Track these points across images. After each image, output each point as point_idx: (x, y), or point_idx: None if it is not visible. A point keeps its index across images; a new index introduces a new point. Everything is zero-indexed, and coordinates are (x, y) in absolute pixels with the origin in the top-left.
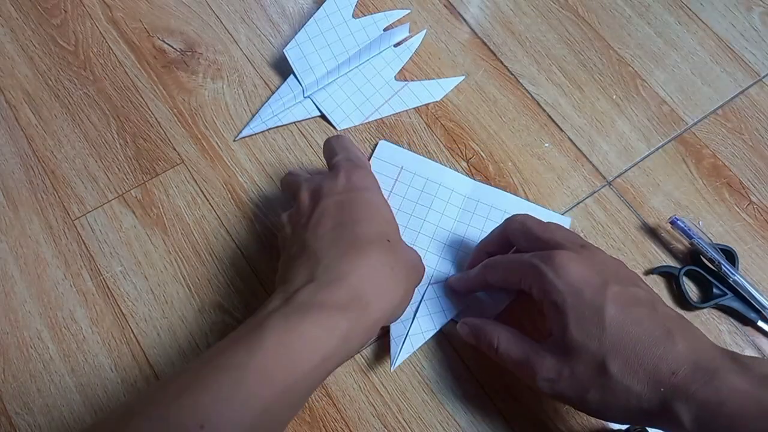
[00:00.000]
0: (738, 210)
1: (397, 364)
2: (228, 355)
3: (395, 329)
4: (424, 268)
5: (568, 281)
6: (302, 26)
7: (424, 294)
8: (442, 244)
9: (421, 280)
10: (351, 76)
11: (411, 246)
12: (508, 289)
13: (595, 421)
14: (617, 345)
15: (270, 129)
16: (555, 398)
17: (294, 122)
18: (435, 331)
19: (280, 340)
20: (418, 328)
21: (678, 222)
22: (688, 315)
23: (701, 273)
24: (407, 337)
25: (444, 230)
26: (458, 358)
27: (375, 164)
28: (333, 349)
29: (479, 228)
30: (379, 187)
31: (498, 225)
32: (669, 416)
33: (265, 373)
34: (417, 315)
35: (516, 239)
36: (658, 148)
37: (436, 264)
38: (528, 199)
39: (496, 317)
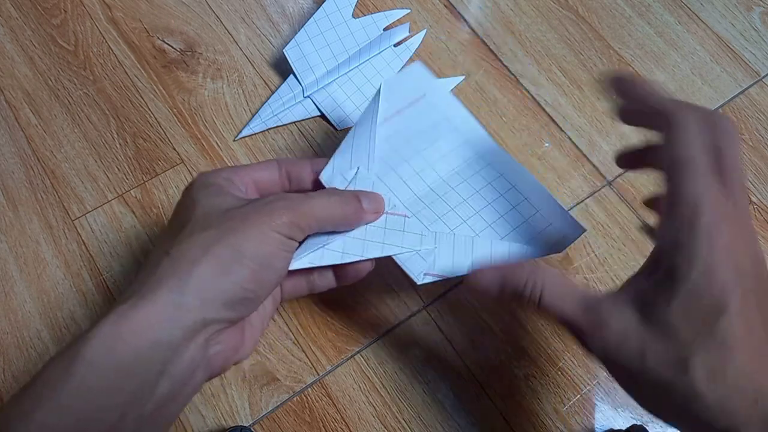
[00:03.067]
0: None
1: (294, 266)
2: None
3: (315, 237)
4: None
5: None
6: (302, 26)
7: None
8: (424, 184)
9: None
10: (351, 76)
11: (390, 171)
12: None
13: (595, 421)
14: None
15: (270, 129)
16: (618, 360)
17: (294, 122)
18: (357, 259)
19: None
20: (340, 246)
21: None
22: None
23: None
24: (323, 249)
25: (434, 172)
26: (458, 358)
27: (395, 80)
28: None
29: (475, 189)
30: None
31: None
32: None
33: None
34: (349, 234)
35: None
36: None
37: (407, 200)
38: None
39: None
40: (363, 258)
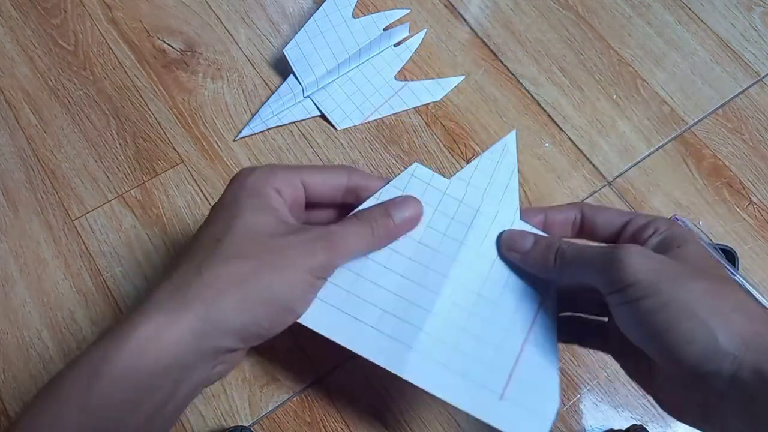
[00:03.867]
0: (738, 210)
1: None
2: None
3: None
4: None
5: (690, 233)
6: (302, 26)
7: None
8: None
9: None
10: (351, 75)
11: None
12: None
13: (595, 420)
14: (731, 278)
15: (270, 129)
16: (632, 282)
17: (294, 122)
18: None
19: None
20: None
21: (678, 222)
22: None
23: None
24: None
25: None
26: None
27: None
28: None
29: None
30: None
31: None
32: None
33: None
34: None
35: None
36: (658, 148)
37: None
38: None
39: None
40: (344, 341)
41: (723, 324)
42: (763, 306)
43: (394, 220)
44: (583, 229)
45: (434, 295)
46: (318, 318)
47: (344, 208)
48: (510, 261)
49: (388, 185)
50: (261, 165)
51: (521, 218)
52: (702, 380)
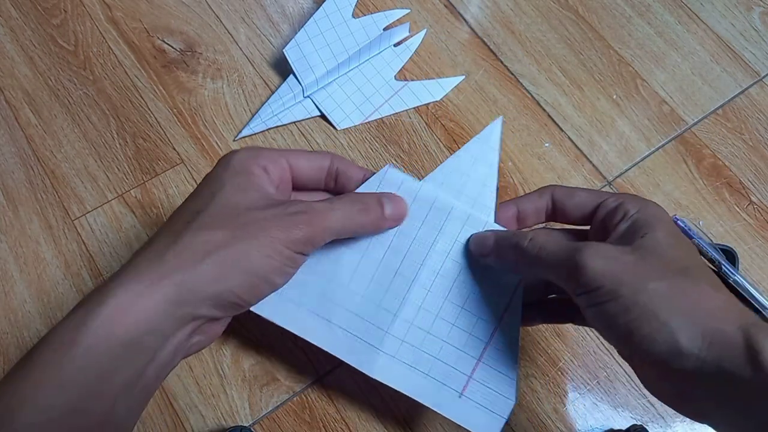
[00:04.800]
0: (738, 210)
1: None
2: None
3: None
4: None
5: (663, 213)
6: (302, 26)
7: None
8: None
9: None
10: (351, 75)
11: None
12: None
13: (595, 420)
14: (701, 265)
15: (270, 129)
16: (594, 287)
17: (294, 122)
18: (312, 340)
19: None
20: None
21: (678, 222)
22: None
23: None
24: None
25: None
26: None
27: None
28: None
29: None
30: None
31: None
32: (743, 352)
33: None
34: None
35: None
36: (658, 148)
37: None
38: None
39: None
40: (317, 342)
41: (684, 324)
42: (763, 306)
43: (385, 211)
44: (556, 215)
45: (402, 300)
46: (293, 319)
47: (329, 193)
48: (478, 266)
49: (360, 188)
50: (247, 147)
51: (495, 221)
52: (672, 374)
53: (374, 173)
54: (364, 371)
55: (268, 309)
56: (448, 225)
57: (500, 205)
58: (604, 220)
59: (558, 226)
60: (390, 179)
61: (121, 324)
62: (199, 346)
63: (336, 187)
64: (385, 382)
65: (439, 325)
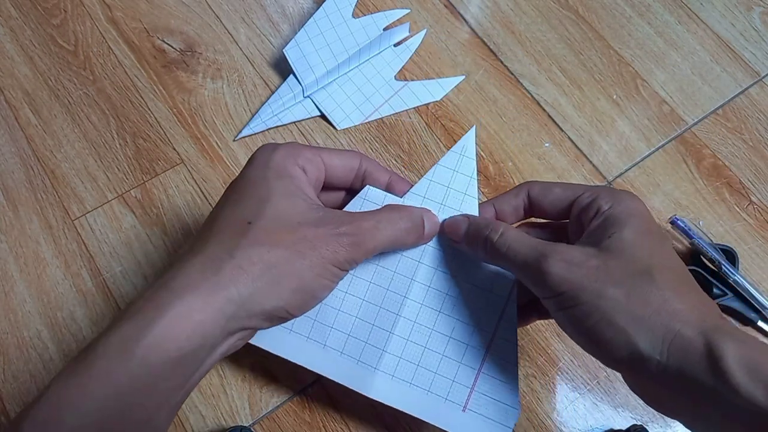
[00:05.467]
0: (738, 210)
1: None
2: None
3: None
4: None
5: (637, 205)
6: (302, 26)
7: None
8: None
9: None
10: (351, 75)
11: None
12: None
13: (595, 420)
14: (670, 264)
15: (270, 129)
16: (558, 292)
17: (294, 122)
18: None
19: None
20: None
21: (678, 222)
22: None
23: (701, 273)
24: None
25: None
26: None
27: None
28: None
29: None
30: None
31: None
32: (704, 358)
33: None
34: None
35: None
36: (658, 148)
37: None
38: None
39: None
40: (313, 368)
41: (643, 331)
42: (763, 306)
43: (425, 230)
44: (533, 212)
45: (395, 316)
46: (288, 346)
47: (351, 192)
48: (469, 273)
49: (346, 207)
50: (282, 142)
51: None
52: (637, 376)
53: (399, 176)
54: (362, 392)
55: (263, 339)
56: (435, 237)
57: (480, 205)
58: (579, 216)
59: (542, 220)
60: (372, 198)
61: (176, 339)
62: (236, 348)
63: (361, 188)
64: (386, 402)
65: (435, 338)
